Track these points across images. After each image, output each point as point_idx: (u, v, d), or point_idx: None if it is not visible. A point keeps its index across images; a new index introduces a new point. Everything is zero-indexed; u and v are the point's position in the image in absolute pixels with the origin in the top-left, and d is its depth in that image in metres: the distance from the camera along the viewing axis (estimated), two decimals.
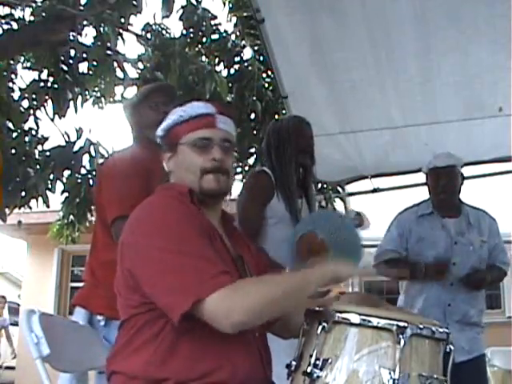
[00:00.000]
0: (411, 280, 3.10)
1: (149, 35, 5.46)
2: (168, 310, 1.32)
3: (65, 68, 5.26)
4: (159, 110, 2.42)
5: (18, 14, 5.09)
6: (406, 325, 1.25)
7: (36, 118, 5.37)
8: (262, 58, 5.59)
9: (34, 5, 5.08)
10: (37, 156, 5.37)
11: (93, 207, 5.82)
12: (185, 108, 1.56)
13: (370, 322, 1.27)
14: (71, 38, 5.15)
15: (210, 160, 1.51)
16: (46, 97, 5.23)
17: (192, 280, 1.30)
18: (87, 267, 2.40)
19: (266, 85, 5.79)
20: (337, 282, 1.37)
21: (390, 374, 1.22)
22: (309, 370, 1.27)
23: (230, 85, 5.57)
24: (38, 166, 5.24)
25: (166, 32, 5.49)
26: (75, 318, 2.32)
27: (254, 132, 5.63)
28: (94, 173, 5.56)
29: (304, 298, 1.38)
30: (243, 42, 5.85)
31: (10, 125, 5.19)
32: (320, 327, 1.30)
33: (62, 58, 5.26)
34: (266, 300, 1.31)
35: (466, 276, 2.95)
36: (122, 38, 5.34)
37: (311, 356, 1.28)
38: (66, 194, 5.59)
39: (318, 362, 1.27)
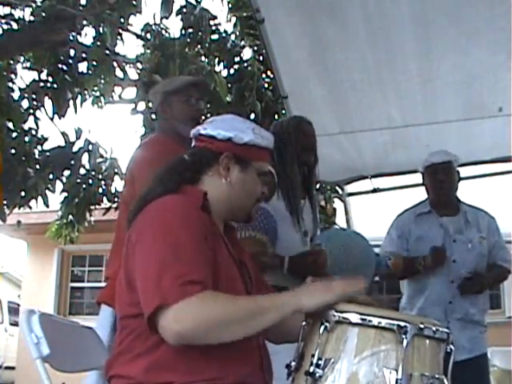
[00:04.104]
0: (413, 276, 3.09)
1: (148, 35, 5.47)
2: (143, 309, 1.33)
3: (64, 68, 5.28)
4: (193, 106, 2.42)
5: (18, 13, 5.10)
6: (407, 325, 1.25)
7: (36, 118, 5.38)
8: (261, 58, 5.59)
9: (33, 5, 5.08)
10: (37, 156, 5.38)
11: (92, 207, 5.85)
12: (262, 134, 1.58)
13: (370, 321, 1.27)
14: (71, 38, 5.16)
15: (262, 193, 1.60)
16: (46, 97, 5.23)
17: (166, 284, 1.29)
18: (110, 263, 2.35)
19: (266, 85, 5.79)
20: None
21: (392, 373, 1.22)
22: (311, 369, 1.26)
23: (230, 85, 5.57)
24: (37, 166, 5.25)
25: (166, 32, 5.50)
26: (101, 316, 2.30)
27: None
28: (93, 173, 5.58)
29: (275, 320, 1.33)
30: (243, 42, 5.85)
31: (10, 125, 5.20)
32: (322, 327, 1.29)
33: (62, 58, 5.27)
34: (224, 319, 1.30)
35: (465, 281, 2.94)
36: (122, 39, 5.35)
37: (313, 356, 1.27)
38: (65, 194, 5.60)
39: (320, 362, 1.26)
